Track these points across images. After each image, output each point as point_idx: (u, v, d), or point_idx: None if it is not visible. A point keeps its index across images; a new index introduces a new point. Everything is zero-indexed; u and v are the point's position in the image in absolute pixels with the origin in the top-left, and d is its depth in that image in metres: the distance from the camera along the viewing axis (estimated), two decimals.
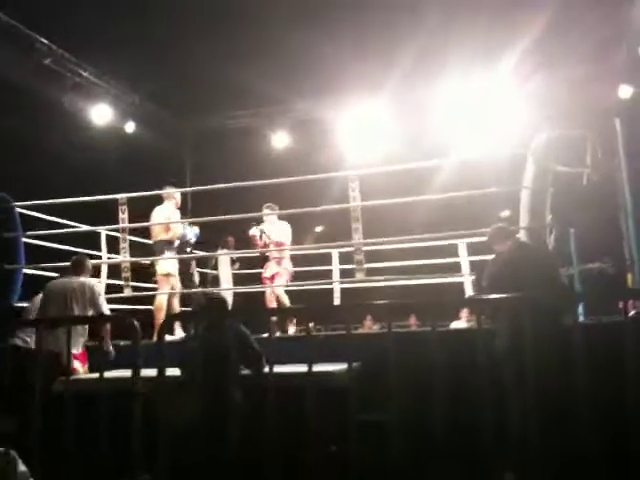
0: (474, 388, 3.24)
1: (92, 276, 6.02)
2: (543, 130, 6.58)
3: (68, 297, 5.38)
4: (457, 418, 3.36)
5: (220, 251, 8.62)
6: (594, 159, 6.47)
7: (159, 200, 7.43)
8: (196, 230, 7.66)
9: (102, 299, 5.54)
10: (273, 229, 7.51)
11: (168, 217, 7.23)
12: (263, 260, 7.78)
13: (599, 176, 6.31)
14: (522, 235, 6.26)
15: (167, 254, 7.11)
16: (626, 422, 2.82)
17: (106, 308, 5.55)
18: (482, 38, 8.13)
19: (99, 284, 6.27)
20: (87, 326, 5.48)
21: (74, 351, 5.07)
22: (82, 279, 5.56)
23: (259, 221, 7.59)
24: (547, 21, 7.74)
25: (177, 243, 7.28)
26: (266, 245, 7.52)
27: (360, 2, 8.01)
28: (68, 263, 5.79)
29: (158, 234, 7.19)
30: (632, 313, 4.47)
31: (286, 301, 7.31)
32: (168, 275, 7.09)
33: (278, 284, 7.32)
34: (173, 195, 7.40)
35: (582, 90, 8.38)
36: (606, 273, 5.89)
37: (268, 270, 7.54)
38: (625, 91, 9.24)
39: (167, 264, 7.11)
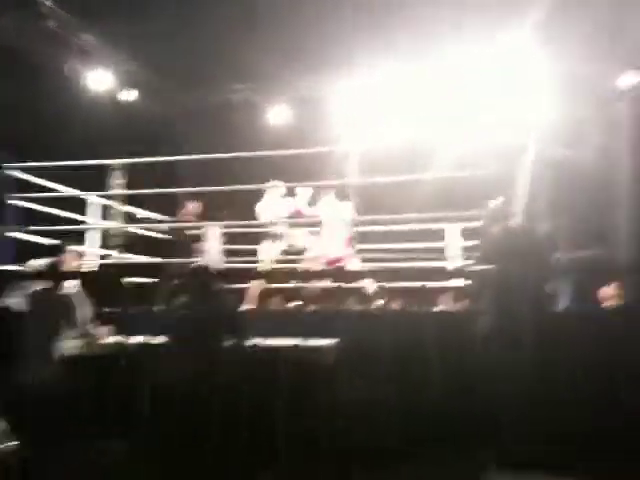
0: (462, 368, 3.23)
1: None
2: (545, 112, 6.52)
3: None
4: (442, 397, 3.36)
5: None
6: (594, 143, 6.42)
7: (154, 167, 7.37)
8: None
9: None
10: None
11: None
12: None
13: (599, 160, 6.27)
14: (518, 218, 6.22)
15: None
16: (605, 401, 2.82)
17: None
18: (483, 15, 8.01)
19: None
20: None
21: None
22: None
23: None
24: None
25: None
26: None
27: None
28: (61, 227, 5.71)
29: None
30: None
31: None
32: None
33: None
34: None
35: (585, 71, 8.30)
36: (599, 260, 5.86)
37: None
38: (630, 78, 9.18)
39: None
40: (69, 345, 4.41)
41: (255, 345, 3.40)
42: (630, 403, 2.75)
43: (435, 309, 8.62)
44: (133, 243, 7.48)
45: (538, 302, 4.16)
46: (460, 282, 6.80)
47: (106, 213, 7.13)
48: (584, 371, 2.75)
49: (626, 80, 9.14)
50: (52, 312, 4.45)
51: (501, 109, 8.71)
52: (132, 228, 7.46)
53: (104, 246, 7.29)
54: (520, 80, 8.91)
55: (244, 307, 6.44)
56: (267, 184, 7.43)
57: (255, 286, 7.03)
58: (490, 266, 4.39)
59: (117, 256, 6.87)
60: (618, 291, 5.07)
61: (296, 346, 3.12)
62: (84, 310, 5.09)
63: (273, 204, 7.46)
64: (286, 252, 7.41)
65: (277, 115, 10.88)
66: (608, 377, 3.11)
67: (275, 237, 7.35)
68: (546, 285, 4.73)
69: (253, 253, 7.57)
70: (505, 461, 4.08)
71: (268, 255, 7.23)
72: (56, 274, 4.78)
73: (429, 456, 3.17)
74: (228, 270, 7.69)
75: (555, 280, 4.81)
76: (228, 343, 4.56)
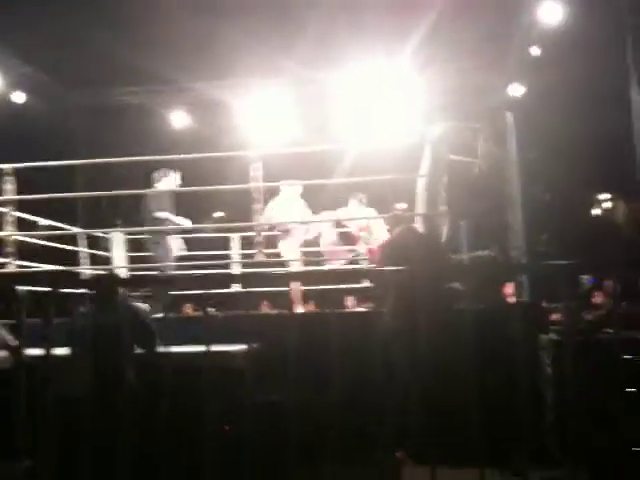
0: (368, 369, 3.30)
1: None
2: (438, 120, 6.79)
3: None
4: (352, 399, 3.42)
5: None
6: (485, 150, 6.73)
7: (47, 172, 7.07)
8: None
9: None
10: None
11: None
12: None
13: (489, 167, 6.58)
14: (418, 223, 6.45)
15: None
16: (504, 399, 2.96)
17: None
18: (381, 26, 8.27)
19: None
20: None
21: None
22: None
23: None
24: (441, 11, 7.94)
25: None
26: None
27: None
28: None
29: None
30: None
31: None
32: None
33: None
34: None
35: (473, 81, 8.70)
36: (495, 261, 6.15)
37: None
38: (517, 89, 9.73)
39: None
40: None
41: (165, 353, 3.33)
42: (522, 399, 2.92)
43: (342, 310, 8.80)
44: (29, 251, 7.14)
45: (437, 301, 4.30)
46: (364, 284, 6.96)
47: None
48: (480, 366, 2.88)
49: (512, 91, 9.71)
50: None
51: (397, 118, 9.01)
52: (27, 236, 7.12)
53: None
54: (414, 90, 9.25)
55: (296, 309, 6.48)
56: (283, 182, 7.23)
57: (296, 288, 6.91)
58: (391, 268, 4.51)
59: (12, 264, 6.53)
60: (515, 289, 5.36)
61: (207, 352, 3.09)
62: None
63: (288, 203, 7.25)
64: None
65: (177, 119, 10.74)
66: (503, 373, 3.27)
67: (289, 234, 7.18)
68: (445, 285, 4.93)
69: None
70: (414, 459, 4.22)
71: (293, 254, 7.16)
72: None
73: (342, 457, 3.21)
74: (133, 277, 7.54)
75: (455, 280, 5.01)
76: (135, 352, 4.47)
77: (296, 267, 7.10)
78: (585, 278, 6.60)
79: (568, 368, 2.90)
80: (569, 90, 9.12)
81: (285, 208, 7.15)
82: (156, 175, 7.05)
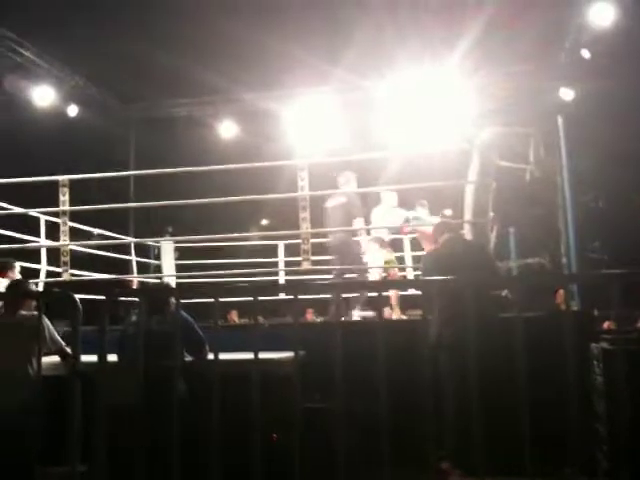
0: (415, 377, 3.29)
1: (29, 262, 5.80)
2: (487, 126, 6.72)
3: None
4: (400, 407, 3.42)
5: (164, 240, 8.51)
6: (537, 156, 6.63)
7: (104, 183, 7.27)
8: None
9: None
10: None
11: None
12: None
13: (541, 173, 6.48)
14: (466, 230, 6.39)
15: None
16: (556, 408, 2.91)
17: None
18: (428, 32, 8.23)
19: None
20: None
21: None
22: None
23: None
24: (490, 16, 7.87)
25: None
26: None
27: None
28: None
29: None
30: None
31: None
32: None
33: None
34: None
35: (523, 86, 8.57)
36: (545, 268, 6.07)
37: None
38: (567, 93, 9.55)
39: None
40: (46, 365, 4.34)
41: (214, 360, 3.38)
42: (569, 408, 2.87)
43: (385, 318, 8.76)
44: (84, 260, 7.35)
45: (483, 310, 4.26)
46: (412, 292, 6.94)
47: (55, 230, 6.98)
48: (529, 375, 2.84)
49: (562, 95, 9.53)
50: (22, 332, 4.35)
51: (446, 124, 8.94)
52: (81, 246, 7.33)
53: (53, 264, 7.14)
54: (463, 96, 9.16)
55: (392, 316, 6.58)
56: (383, 189, 7.53)
57: (395, 295, 7.27)
58: (437, 277, 4.48)
59: (67, 274, 6.73)
60: (565, 297, 5.26)
61: (255, 359, 3.13)
62: (51, 329, 4.99)
63: (388, 212, 7.49)
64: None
65: (225, 129, 10.87)
66: (553, 380, 3.22)
67: (383, 243, 7.46)
68: (493, 293, 4.87)
69: (205, 267, 7.55)
70: (460, 469, 4.18)
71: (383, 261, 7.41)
72: (16, 294, 4.69)
73: (387, 465, 3.19)
74: (181, 285, 7.67)
75: (504, 288, 4.95)
76: (184, 359, 4.54)
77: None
78: None
79: (620, 378, 2.84)
80: (620, 94, 8.91)
81: (388, 215, 7.38)
82: (341, 179, 7.24)
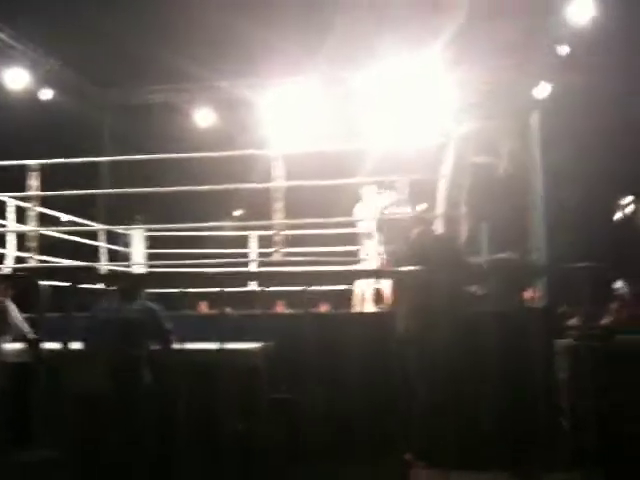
0: (382, 369, 3.29)
1: None
2: (466, 120, 6.72)
3: None
4: (367, 399, 3.41)
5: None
6: (512, 151, 6.66)
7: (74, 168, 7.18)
8: None
9: None
10: None
11: None
12: None
13: (516, 168, 6.51)
14: (437, 224, 6.40)
15: None
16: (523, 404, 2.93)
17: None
18: (409, 24, 8.20)
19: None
20: None
21: None
22: None
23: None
24: (469, 11, 7.86)
25: None
26: None
27: None
28: None
29: None
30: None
31: None
32: None
33: None
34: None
35: (501, 80, 8.60)
36: (516, 263, 6.09)
37: None
38: (543, 89, 9.59)
39: None
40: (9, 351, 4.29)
41: (180, 349, 3.36)
42: (537, 403, 2.89)
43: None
44: (51, 246, 7.25)
45: (452, 304, 4.27)
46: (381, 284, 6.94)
47: (23, 215, 6.87)
48: (495, 370, 2.86)
49: (539, 90, 9.57)
50: None
51: (421, 119, 8.94)
52: (50, 231, 7.22)
53: (20, 249, 7.03)
54: (441, 89, 9.17)
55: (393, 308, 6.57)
56: (356, 181, 7.48)
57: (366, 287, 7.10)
58: (409, 268, 4.47)
59: (34, 259, 6.64)
60: (536, 293, 5.29)
61: (220, 349, 3.10)
62: (17, 315, 4.93)
63: (370, 204, 7.42)
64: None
65: (201, 117, 10.78)
66: (518, 375, 3.24)
67: (371, 237, 7.33)
68: (465, 287, 4.89)
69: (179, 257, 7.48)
70: (424, 461, 4.19)
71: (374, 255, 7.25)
72: None
73: (352, 457, 3.20)
74: (152, 274, 7.59)
75: (476, 282, 4.96)
76: (152, 347, 4.51)
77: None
78: (620, 284, 6.47)
79: (584, 373, 2.86)
80: (598, 90, 8.97)
81: (368, 210, 7.32)
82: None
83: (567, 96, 9.00)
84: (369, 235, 7.31)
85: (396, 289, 4.42)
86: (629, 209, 6.77)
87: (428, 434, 3.83)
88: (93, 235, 8.33)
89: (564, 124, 8.79)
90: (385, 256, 7.20)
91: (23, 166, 6.79)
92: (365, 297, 7.15)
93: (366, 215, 7.37)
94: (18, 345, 4.76)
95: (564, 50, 8.88)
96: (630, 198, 6.82)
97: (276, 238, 6.28)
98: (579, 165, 9.88)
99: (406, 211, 6.80)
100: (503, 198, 6.35)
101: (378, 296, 7.24)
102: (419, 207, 6.85)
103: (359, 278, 6.79)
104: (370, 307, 7.00)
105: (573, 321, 5.18)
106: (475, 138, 6.65)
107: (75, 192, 7.04)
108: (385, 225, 6.93)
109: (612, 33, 8.37)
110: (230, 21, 8.18)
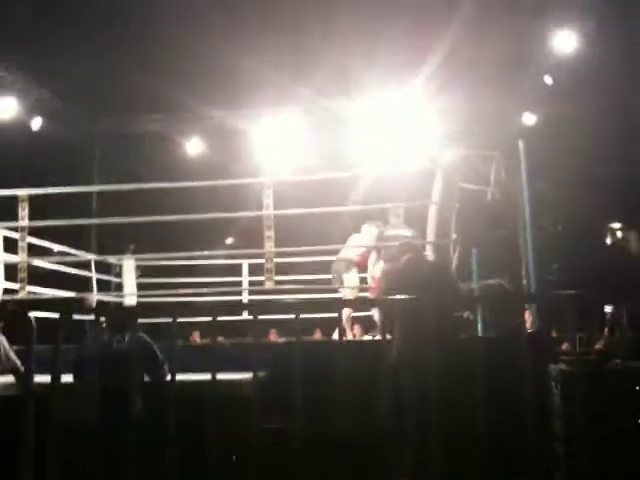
0: (375, 398, 3.28)
1: None
2: (451, 147, 6.81)
3: None
4: (360, 426, 3.41)
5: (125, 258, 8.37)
6: (498, 179, 6.73)
7: (63, 198, 7.19)
8: None
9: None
10: None
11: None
12: None
13: (502, 195, 6.58)
14: (428, 251, 6.43)
15: None
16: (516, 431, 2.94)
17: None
18: (395, 55, 8.34)
19: None
20: None
21: None
22: None
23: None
24: (455, 41, 8.00)
25: None
26: None
27: (273, 14, 8.06)
28: None
29: None
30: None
31: None
32: None
33: None
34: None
35: (487, 109, 8.72)
36: (504, 289, 6.13)
37: None
38: (529, 118, 9.73)
39: None
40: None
41: (172, 381, 3.34)
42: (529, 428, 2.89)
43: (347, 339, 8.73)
44: (41, 276, 7.21)
45: (444, 330, 4.29)
46: (370, 312, 6.95)
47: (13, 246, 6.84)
48: (488, 395, 2.87)
49: (525, 119, 9.71)
50: None
51: (411, 144, 9.03)
52: (40, 261, 7.19)
53: (9, 279, 6.99)
54: (428, 117, 9.28)
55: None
56: (347, 209, 7.79)
57: (347, 314, 7.24)
58: (398, 296, 4.49)
59: (24, 291, 6.60)
60: (528, 318, 5.32)
61: (213, 380, 3.10)
62: (6, 346, 4.89)
63: (367, 237, 7.53)
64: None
65: (192, 147, 10.83)
66: (509, 401, 3.24)
67: (352, 266, 7.47)
68: (454, 313, 4.91)
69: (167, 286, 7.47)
70: None
71: (354, 283, 7.43)
72: None
73: None
74: (143, 304, 7.57)
75: (465, 308, 4.99)
76: (145, 378, 4.49)
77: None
78: (610, 309, 6.51)
79: (577, 399, 2.88)
80: (581, 119, 9.12)
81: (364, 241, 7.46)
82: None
83: (554, 125, 9.14)
84: (351, 265, 7.40)
85: (387, 315, 4.42)
86: (619, 235, 6.85)
87: (423, 459, 3.82)
88: (84, 265, 8.31)
89: (551, 153, 8.91)
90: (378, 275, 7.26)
91: (12, 196, 6.78)
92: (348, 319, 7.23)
93: (360, 242, 7.42)
94: (7, 378, 4.72)
95: (549, 80, 9.05)
96: (620, 225, 6.90)
97: (267, 266, 6.29)
98: (566, 193, 10.01)
99: (405, 234, 6.85)
100: (492, 225, 6.40)
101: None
102: (407, 234, 6.88)
103: (350, 307, 6.81)
104: (359, 333, 7.01)
105: (565, 347, 5.21)
106: (463, 165, 6.72)
107: (65, 222, 7.03)
108: (384, 245, 6.98)
109: (596, 64, 8.53)
110: (221, 52, 8.28)
